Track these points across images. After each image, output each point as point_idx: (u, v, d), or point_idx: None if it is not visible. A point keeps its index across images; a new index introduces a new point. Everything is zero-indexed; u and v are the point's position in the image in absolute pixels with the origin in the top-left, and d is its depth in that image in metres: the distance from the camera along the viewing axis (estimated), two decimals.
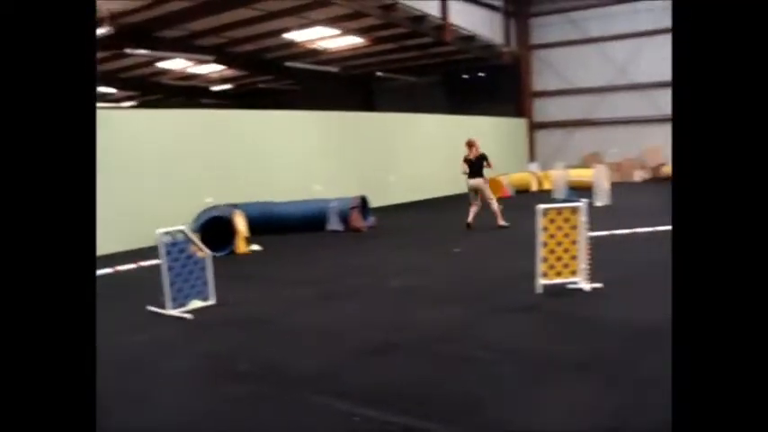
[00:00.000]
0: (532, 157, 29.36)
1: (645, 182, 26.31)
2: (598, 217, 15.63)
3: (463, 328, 6.95)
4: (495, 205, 14.41)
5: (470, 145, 14.56)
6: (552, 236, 7.98)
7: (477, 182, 14.38)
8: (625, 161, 27.31)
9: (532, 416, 4.64)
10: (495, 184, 21.86)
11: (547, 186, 22.73)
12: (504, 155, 27.01)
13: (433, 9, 22.56)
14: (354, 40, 23.76)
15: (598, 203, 18.40)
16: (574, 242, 8.05)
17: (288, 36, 22.16)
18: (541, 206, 7.98)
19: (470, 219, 14.45)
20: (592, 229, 8.60)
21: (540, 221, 7.91)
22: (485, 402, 4.90)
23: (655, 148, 26.87)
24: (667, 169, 25.31)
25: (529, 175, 24.69)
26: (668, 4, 25.99)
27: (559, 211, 7.98)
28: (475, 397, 5.01)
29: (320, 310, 7.97)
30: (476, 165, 14.39)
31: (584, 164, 26.01)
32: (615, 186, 23.49)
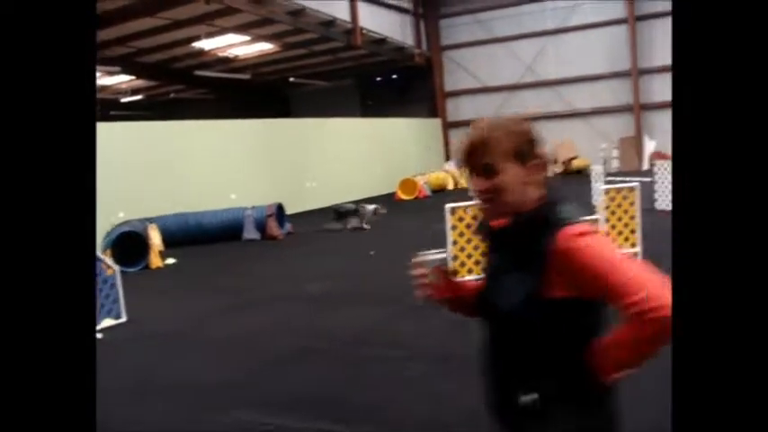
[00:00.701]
0: (448, 156, 29.82)
1: (557, 176, 27.06)
2: None
3: (378, 329, 7.05)
4: None
5: None
6: (461, 234, 8.16)
7: None
8: None
9: (441, 412, 4.76)
10: (410, 184, 22.12)
11: (464, 185, 23.09)
12: (420, 155, 27.38)
13: (342, 13, 22.67)
14: (265, 47, 23.65)
15: None
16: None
17: (197, 44, 21.87)
18: (449, 205, 8.16)
19: None
20: None
21: (449, 220, 8.08)
22: (396, 401, 5.00)
23: (564, 142, 27.70)
24: (578, 163, 26.12)
25: (445, 175, 25.06)
26: (572, 4, 26.89)
27: (466, 209, 8.17)
28: (387, 396, 5.10)
29: (235, 320, 7.93)
30: None
31: None
32: None
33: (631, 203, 9.12)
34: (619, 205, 9.13)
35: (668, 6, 25.42)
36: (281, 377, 5.81)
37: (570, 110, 27.76)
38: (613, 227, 9.03)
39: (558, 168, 27.45)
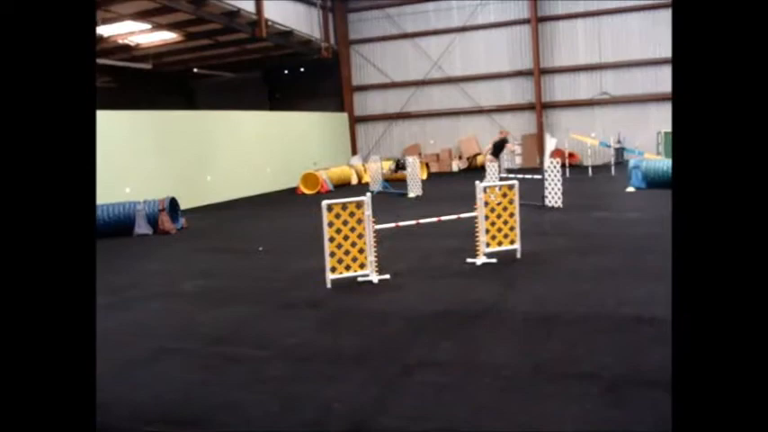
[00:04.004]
0: (355, 150, 29.83)
1: (461, 171, 27.43)
2: (409, 207, 16.16)
3: (246, 328, 6.93)
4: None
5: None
6: (338, 231, 8.13)
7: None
8: (443, 152, 28.36)
9: (293, 414, 4.70)
10: (312, 178, 22.00)
11: (367, 179, 23.10)
12: (327, 149, 27.27)
13: (247, 4, 22.31)
14: (167, 36, 23.03)
15: (411, 194, 18.98)
16: (360, 236, 8.24)
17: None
18: (326, 202, 8.10)
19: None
20: (402, 219, 9.38)
21: (326, 217, 8.03)
22: (243, 404, 4.90)
23: (469, 138, 28.12)
24: (482, 159, 26.49)
25: (348, 169, 25.01)
26: (477, 2, 27.22)
27: (344, 205, 8.13)
28: (233, 399, 5.00)
29: (103, 320, 7.64)
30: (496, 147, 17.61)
31: (405, 156, 26.77)
32: (434, 176, 24.38)
33: (510, 201, 9.28)
34: (498, 203, 9.28)
35: (569, 8, 26.14)
36: (134, 379, 5.62)
37: (475, 106, 28.17)
38: (493, 224, 9.17)
39: (463, 164, 27.84)
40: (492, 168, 16.68)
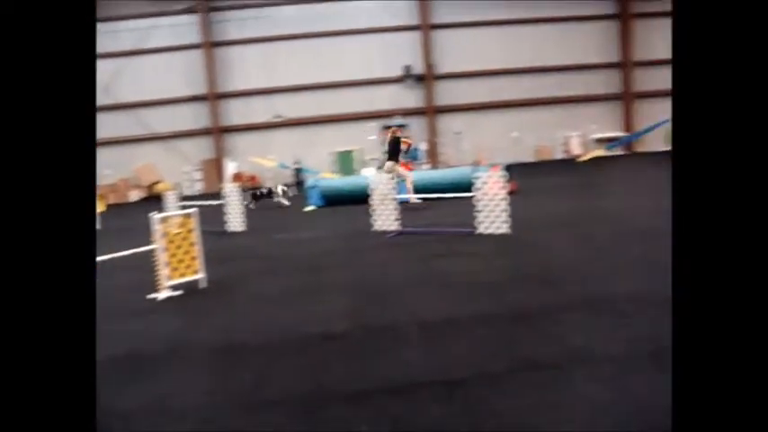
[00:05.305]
0: None
1: (143, 200, 26.43)
2: None
3: None
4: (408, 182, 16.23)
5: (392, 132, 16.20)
6: None
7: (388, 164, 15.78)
8: (120, 182, 27.10)
9: None
10: None
11: None
12: None
13: None
14: None
15: None
16: None
17: None
18: None
19: None
20: None
21: None
22: None
23: (146, 166, 27.22)
24: (161, 186, 25.77)
25: None
26: (147, 25, 26.52)
27: None
28: None
29: None
30: (390, 148, 15.88)
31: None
32: (111, 208, 23.17)
33: (190, 230, 9.09)
34: (177, 233, 9.03)
35: (242, 34, 26.57)
36: None
37: (151, 133, 27.35)
38: (173, 255, 8.90)
39: (143, 193, 26.86)
40: (401, 174, 16.03)
